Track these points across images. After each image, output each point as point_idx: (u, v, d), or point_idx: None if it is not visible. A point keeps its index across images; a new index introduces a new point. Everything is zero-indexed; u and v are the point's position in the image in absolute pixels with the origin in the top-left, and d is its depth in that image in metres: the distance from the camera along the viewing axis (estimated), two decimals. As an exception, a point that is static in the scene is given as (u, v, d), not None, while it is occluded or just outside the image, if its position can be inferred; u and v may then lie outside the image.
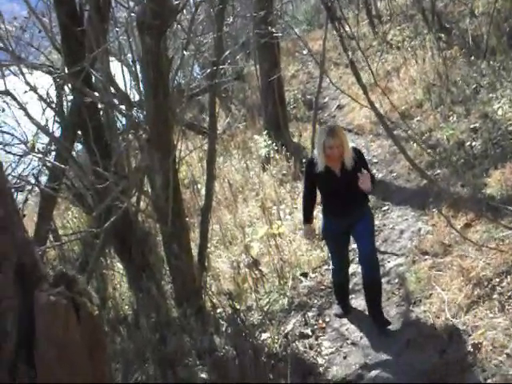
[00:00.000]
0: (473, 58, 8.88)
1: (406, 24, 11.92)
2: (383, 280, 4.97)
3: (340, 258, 4.93)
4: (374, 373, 3.98)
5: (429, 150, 7.04)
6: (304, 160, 8.37)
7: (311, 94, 11.63)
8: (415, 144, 7.01)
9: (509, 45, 8.55)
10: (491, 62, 8.39)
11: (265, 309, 5.32)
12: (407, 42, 10.97)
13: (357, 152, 4.57)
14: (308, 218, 4.88)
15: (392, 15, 12.60)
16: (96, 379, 2.04)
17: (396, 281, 5.09)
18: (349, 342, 4.58)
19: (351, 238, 4.87)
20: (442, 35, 9.96)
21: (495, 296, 4.14)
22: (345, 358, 4.39)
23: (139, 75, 5.53)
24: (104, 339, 2.18)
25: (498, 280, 4.31)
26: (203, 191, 7.70)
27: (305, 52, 13.41)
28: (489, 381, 3.46)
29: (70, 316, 2.05)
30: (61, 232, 8.13)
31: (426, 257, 5.23)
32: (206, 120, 10.95)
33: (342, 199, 4.58)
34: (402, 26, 11.78)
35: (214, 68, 5.39)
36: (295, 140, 9.87)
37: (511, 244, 4.63)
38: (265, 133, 9.53)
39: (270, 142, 9.22)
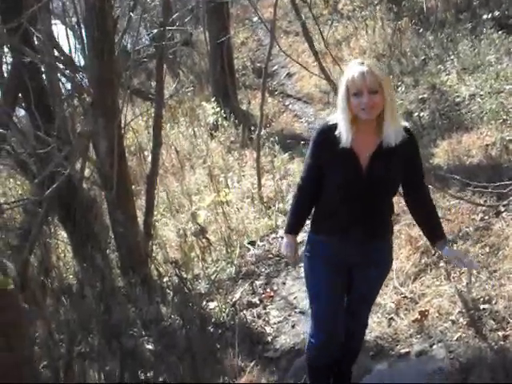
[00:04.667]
0: (421, 30, 8.93)
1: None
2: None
3: (329, 314, 2.88)
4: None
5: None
6: (253, 128, 8.34)
7: (260, 62, 11.51)
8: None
9: (456, 18, 8.63)
10: (439, 35, 8.45)
11: (212, 277, 5.26)
12: (358, 11, 10.93)
13: (408, 133, 2.70)
14: (294, 225, 2.97)
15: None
16: (14, 362, 1.83)
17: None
18: (297, 310, 4.56)
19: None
20: (393, 6, 9.95)
21: (441, 264, 4.18)
22: (293, 326, 4.37)
23: (84, 38, 5.31)
24: (20, 317, 1.97)
25: (444, 249, 4.36)
26: (150, 158, 7.55)
27: (255, 19, 13.21)
28: (434, 346, 3.51)
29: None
30: (2, 200, 7.84)
31: (375, 226, 5.24)
32: (153, 86, 10.70)
33: (361, 208, 2.69)
34: (353, -4, 11.72)
35: (162, 29, 5.21)
36: (244, 107, 9.78)
37: (457, 213, 4.69)
38: (213, 100, 9.38)
39: (218, 109, 9.08)
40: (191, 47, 12.72)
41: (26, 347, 1.91)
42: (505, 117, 5.78)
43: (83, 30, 5.42)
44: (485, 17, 8.04)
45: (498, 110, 5.94)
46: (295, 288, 4.90)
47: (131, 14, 5.76)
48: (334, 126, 2.65)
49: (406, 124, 2.78)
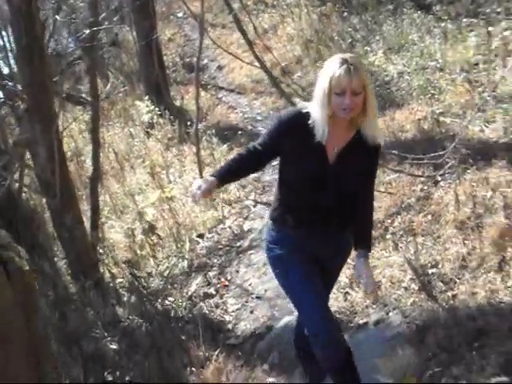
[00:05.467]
0: (346, 14, 9.12)
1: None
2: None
3: (318, 300, 2.69)
4: (283, 321, 4.05)
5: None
6: (189, 123, 8.31)
7: (190, 57, 11.50)
8: (298, 99, 7.12)
9: (377, 0, 8.86)
10: (363, 17, 8.66)
11: (165, 274, 5.28)
12: (282, 0, 11.04)
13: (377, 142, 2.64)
14: (223, 175, 2.60)
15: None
16: (33, 345, 1.80)
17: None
18: (253, 296, 4.63)
19: None
20: (316, -8, 10.11)
21: (388, 236, 4.34)
22: (252, 312, 4.44)
23: (7, 45, 5.19)
24: (36, 298, 1.93)
25: (389, 221, 4.52)
26: (88, 163, 7.45)
27: (180, 15, 13.15)
28: (390, 314, 3.65)
29: (-1, 273, 1.73)
30: None
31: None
32: (83, 90, 10.53)
33: (329, 199, 2.64)
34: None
35: (92, 30, 5.14)
36: (177, 103, 9.73)
37: (398, 186, 4.87)
38: (146, 98, 9.31)
39: (152, 107, 9.01)
40: (118, 47, 12.54)
41: (39, 330, 1.86)
42: (433, 91, 6.02)
43: (5, 37, 5.30)
44: (404, -2, 8.31)
45: (425, 86, 6.18)
46: (249, 275, 4.98)
47: (57, 16, 5.65)
48: (308, 115, 2.57)
49: None
